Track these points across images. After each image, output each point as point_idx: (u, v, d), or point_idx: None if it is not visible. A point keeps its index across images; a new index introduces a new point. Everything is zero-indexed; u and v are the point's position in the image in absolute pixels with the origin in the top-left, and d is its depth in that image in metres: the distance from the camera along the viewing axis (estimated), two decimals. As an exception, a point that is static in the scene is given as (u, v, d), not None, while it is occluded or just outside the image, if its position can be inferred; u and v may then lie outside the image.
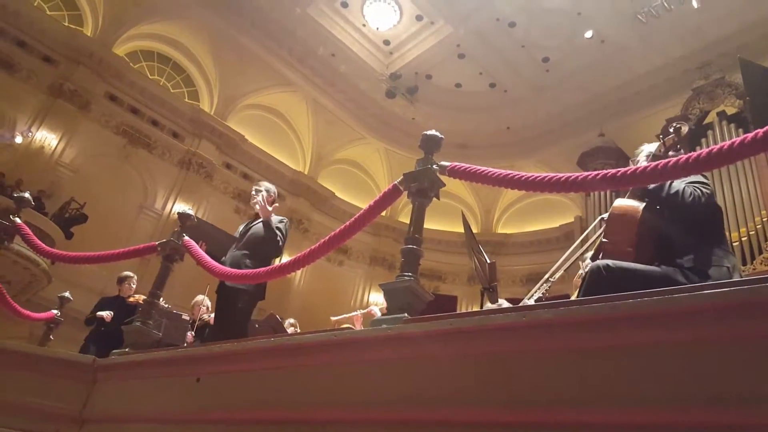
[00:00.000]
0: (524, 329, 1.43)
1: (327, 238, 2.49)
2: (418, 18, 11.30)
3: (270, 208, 3.99)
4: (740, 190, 8.08)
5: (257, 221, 4.13)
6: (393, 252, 13.89)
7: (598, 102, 11.73)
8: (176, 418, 2.37)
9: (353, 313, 6.27)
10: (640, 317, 1.25)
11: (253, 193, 4.13)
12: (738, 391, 1.09)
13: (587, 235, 4.15)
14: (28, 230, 3.86)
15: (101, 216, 9.79)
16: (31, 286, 8.51)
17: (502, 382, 1.45)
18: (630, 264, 2.07)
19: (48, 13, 10.60)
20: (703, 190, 2.17)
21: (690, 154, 1.61)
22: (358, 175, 14.95)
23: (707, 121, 9.43)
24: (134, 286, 5.98)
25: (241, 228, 4.28)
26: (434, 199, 2.18)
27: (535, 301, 3.46)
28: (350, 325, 5.84)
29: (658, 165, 1.67)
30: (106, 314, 5.50)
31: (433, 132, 2.24)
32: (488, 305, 3.63)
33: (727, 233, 7.69)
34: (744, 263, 7.50)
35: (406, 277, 1.97)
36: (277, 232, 3.94)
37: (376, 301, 12.21)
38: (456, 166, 2.18)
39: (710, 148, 1.56)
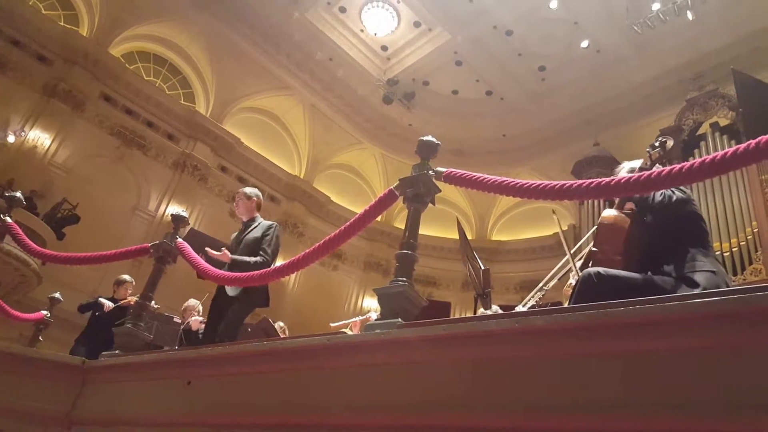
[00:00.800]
0: (517, 335, 1.44)
1: (322, 242, 2.49)
2: (416, 24, 11.37)
3: (257, 213, 3.98)
4: (731, 201, 8.15)
5: (248, 231, 4.10)
6: (387, 257, 13.88)
7: (593, 111, 11.83)
8: (166, 422, 2.35)
9: (352, 320, 6.24)
10: (632, 325, 1.27)
11: (234, 204, 4.18)
12: (728, 399, 1.10)
13: (579, 245, 4.19)
14: (18, 230, 3.83)
15: (94, 217, 9.71)
16: (21, 286, 8.43)
17: (495, 388, 1.45)
18: (620, 272, 2.11)
19: (43, 12, 10.55)
20: (676, 192, 2.21)
21: (682, 164, 1.63)
22: (354, 180, 14.95)
23: (700, 132, 9.54)
24: (130, 292, 5.92)
25: (233, 237, 4.26)
26: (429, 204, 2.19)
27: (529, 308, 3.47)
28: (346, 331, 5.81)
29: (651, 174, 1.69)
30: (107, 303, 5.47)
31: (429, 138, 2.25)
32: (482, 311, 3.64)
33: (717, 243, 7.76)
34: (734, 274, 7.54)
35: (401, 283, 1.97)
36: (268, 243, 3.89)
37: (374, 307, 12.16)
38: (452, 172, 2.19)
39: (701, 159, 1.58)
